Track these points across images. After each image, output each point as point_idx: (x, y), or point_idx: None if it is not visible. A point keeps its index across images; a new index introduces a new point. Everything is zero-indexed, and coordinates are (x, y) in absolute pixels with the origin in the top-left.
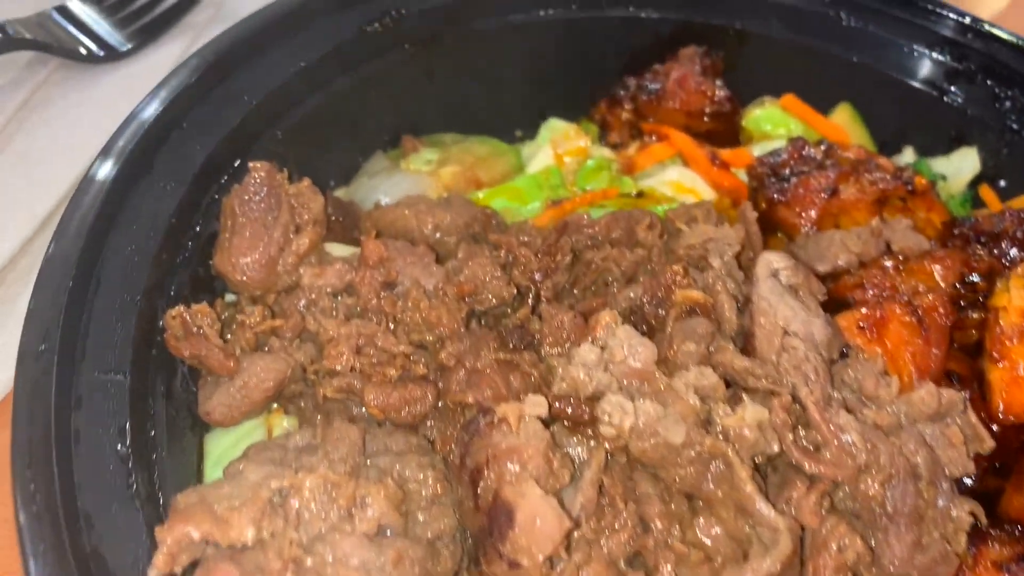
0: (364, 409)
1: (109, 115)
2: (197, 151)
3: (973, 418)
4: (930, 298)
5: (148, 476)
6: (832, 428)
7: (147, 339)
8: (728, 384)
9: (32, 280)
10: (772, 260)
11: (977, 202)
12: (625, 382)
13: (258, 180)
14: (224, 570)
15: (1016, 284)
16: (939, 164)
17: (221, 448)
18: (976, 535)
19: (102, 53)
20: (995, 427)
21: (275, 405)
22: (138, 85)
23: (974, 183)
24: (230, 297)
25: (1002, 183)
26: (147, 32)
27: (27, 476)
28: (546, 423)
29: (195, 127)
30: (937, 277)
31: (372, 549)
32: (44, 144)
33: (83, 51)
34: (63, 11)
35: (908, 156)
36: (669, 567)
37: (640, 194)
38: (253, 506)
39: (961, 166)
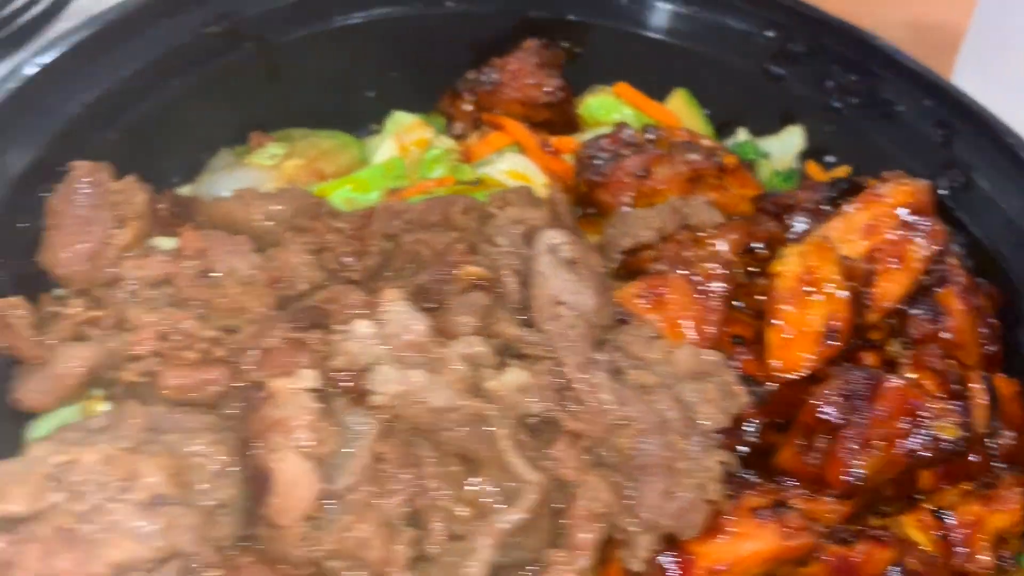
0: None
1: None
2: (22, 155)
3: (729, 376)
4: (709, 267)
5: None
6: (588, 388)
7: None
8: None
9: None
10: (551, 236)
11: (806, 177)
12: (400, 354)
13: (80, 179)
14: None
15: (792, 252)
16: (768, 143)
17: (39, 435)
18: (741, 484)
19: None
20: (774, 384)
21: (96, 392)
22: None
23: (806, 159)
24: (58, 292)
25: (829, 158)
26: (9, 44)
27: None
28: (326, 396)
29: (23, 131)
30: (722, 248)
31: (144, 517)
32: None
33: None
34: None
35: (742, 137)
36: (440, 523)
37: (478, 181)
38: (30, 479)
39: (788, 143)
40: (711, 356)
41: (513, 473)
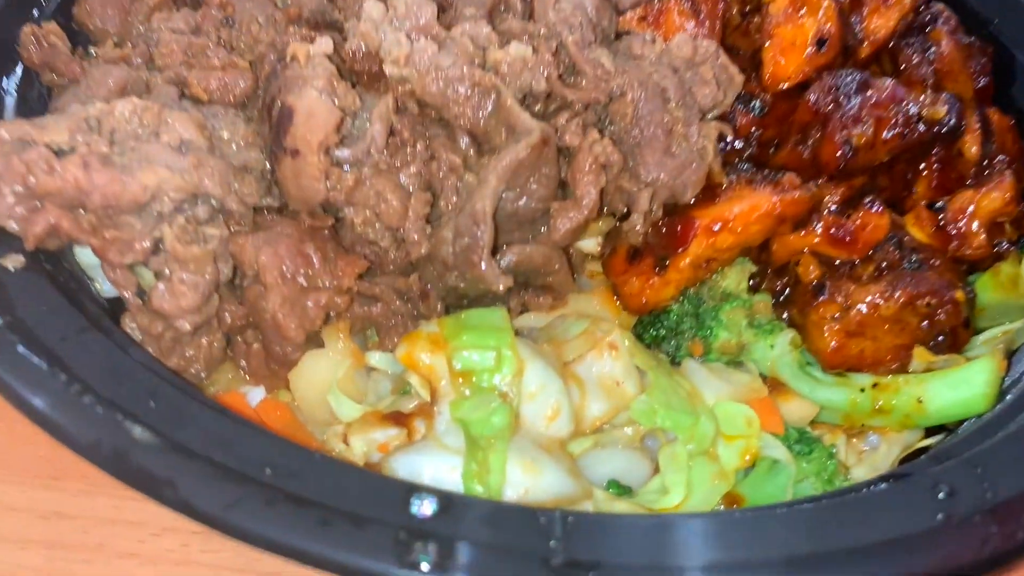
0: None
1: None
2: None
3: (725, 59)
4: None
5: None
6: (588, 59)
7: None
8: None
9: None
10: None
11: None
12: (411, 36)
13: None
14: (39, 151)
15: None
16: None
17: None
18: (739, 170)
19: None
20: (769, 97)
21: None
22: None
23: None
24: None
25: None
26: None
27: None
28: (342, 76)
29: None
30: None
31: (174, 154)
32: None
33: None
34: None
35: None
36: (451, 187)
37: None
38: (69, 120)
39: None
40: (707, 44)
41: (519, 127)
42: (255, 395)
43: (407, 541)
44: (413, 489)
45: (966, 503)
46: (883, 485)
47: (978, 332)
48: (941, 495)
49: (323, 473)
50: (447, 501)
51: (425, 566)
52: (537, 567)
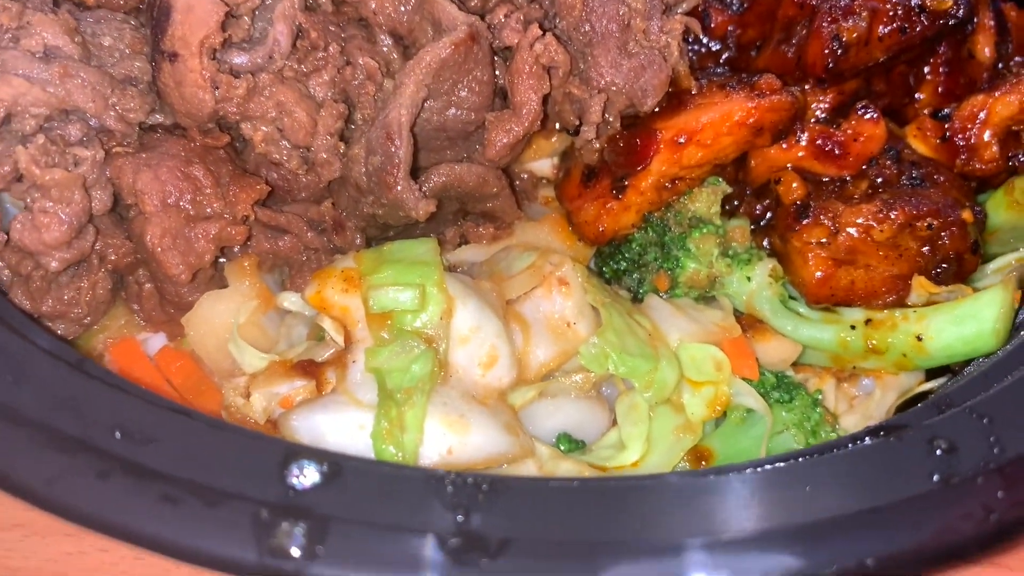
0: None
1: None
2: None
3: None
4: None
5: None
6: None
7: None
8: None
9: None
10: None
11: None
12: None
13: None
14: None
15: None
16: None
17: None
18: (711, 74)
19: None
20: None
21: None
22: None
23: None
24: None
25: None
26: None
27: None
28: None
29: None
30: None
31: (36, 63)
32: None
33: None
34: None
35: None
36: (369, 97)
37: None
38: None
39: None
40: None
41: (445, 20)
42: (155, 342)
43: (270, 521)
44: (293, 454)
45: (968, 461)
46: (869, 440)
47: (988, 259)
48: (939, 451)
49: (186, 437)
50: (336, 468)
51: (296, 551)
52: (430, 549)
